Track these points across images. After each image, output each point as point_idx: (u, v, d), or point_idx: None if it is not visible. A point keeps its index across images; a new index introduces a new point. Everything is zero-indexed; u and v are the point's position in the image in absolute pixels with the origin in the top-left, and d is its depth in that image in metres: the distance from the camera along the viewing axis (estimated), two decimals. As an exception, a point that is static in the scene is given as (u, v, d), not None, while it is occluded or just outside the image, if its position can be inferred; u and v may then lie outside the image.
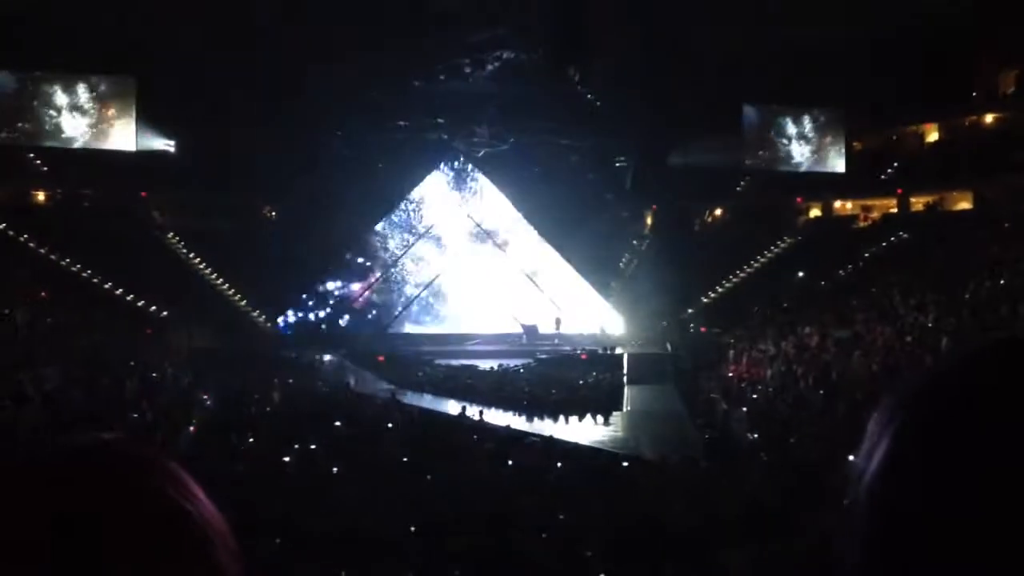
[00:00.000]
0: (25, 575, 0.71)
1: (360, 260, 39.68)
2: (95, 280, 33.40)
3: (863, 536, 0.70)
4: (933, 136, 42.75)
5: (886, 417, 0.72)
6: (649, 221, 44.35)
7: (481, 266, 39.37)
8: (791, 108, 43.07)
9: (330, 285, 38.94)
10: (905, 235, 37.14)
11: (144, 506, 0.77)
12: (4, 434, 15.28)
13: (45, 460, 0.78)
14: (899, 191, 40.76)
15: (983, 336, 0.75)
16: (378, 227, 39.93)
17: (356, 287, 39.38)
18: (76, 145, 38.97)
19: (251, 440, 18.11)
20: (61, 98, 38.73)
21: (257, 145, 36.68)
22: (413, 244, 39.95)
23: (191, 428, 20.70)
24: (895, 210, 40.89)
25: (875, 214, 41.63)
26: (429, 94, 40.18)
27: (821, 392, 22.48)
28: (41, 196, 39.57)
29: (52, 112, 38.58)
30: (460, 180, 40.97)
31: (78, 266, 33.66)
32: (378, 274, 39.62)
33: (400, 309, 39.31)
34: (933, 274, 29.70)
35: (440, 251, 39.98)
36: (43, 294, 29.85)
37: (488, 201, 40.52)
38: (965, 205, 39.27)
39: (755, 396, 23.86)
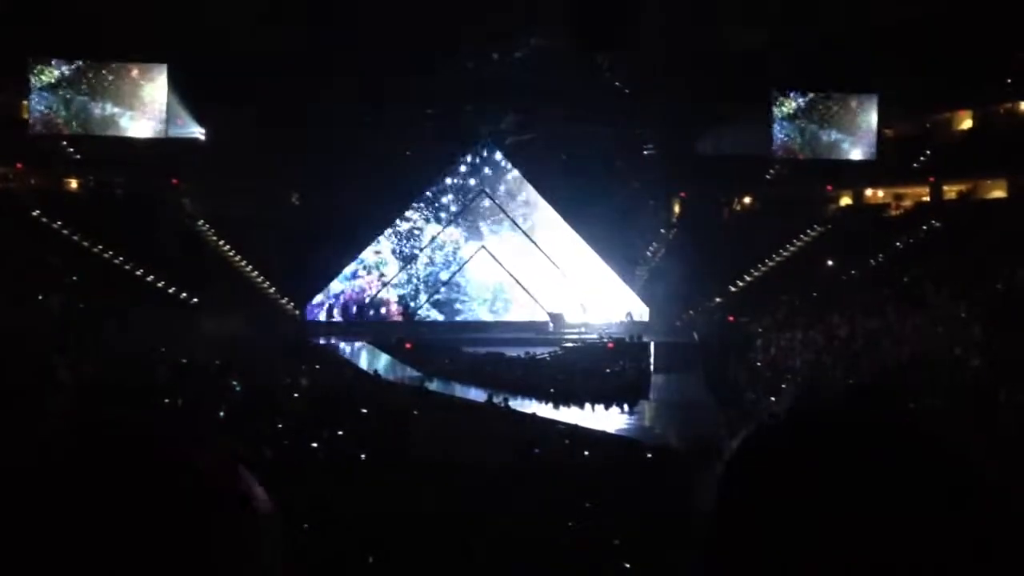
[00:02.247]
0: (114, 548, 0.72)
1: (387, 247, 39.79)
2: (126, 266, 33.77)
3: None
4: (967, 123, 42.12)
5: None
6: (677, 209, 44.10)
7: (507, 254, 39.36)
8: (822, 95, 42.59)
9: (357, 272, 39.09)
10: (938, 224, 36.67)
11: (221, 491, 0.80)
12: (36, 418, 15.51)
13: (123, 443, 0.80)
14: (931, 179, 40.23)
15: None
16: (404, 214, 40.00)
17: (383, 274, 39.50)
18: (108, 132, 39.35)
19: (279, 426, 18.26)
20: (93, 85, 39.09)
21: (285, 133, 36.88)
22: (439, 231, 39.99)
23: (220, 414, 20.91)
24: (927, 198, 40.38)
25: (907, 202, 41.12)
26: (456, 81, 40.14)
27: (851, 382, 22.31)
28: (74, 183, 40.02)
29: (84, 100, 38.95)
30: (487, 167, 40.92)
31: (110, 253, 34.04)
32: (405, 261, 39.71)
33: (427, 297, 39.41)
34: (966, 263, 29.33)
35: (466, 238, 39.99)
36: (75, 279, 30.21)
37: (515, 188, 40.46)
38: (999, 194, 38.69)
39: (784, 386, 23.72)
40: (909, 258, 34.07)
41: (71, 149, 39.10)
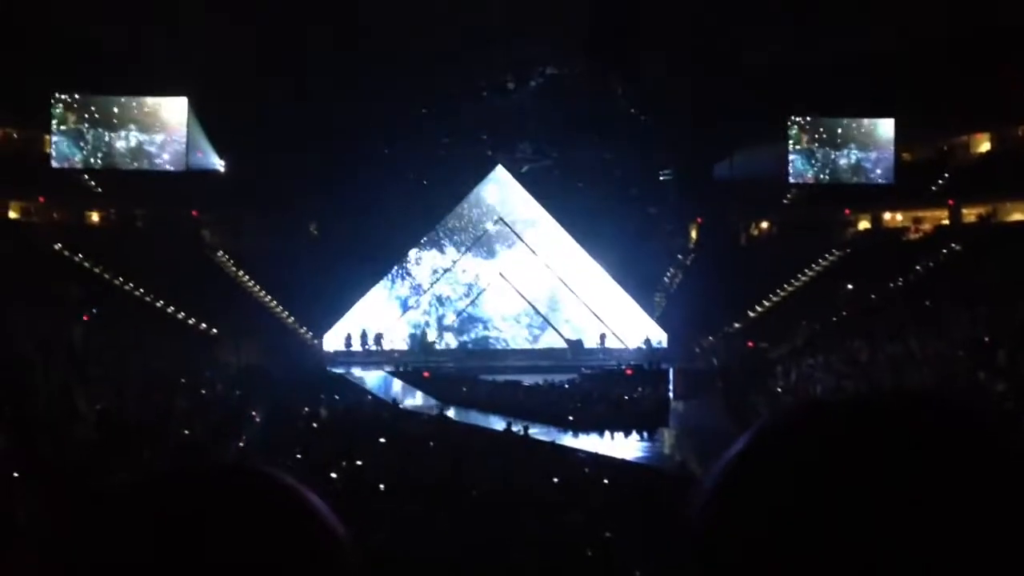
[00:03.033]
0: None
1: (405, 276, 39.92)
2: (147, 298, 33.99)
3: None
4: (985, 146, 41.93)
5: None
6: (694, 235, 44.05)
7: (524, 281, 39.38)
8: (839, 119, 42.54)
9: (375, 301, 39.19)
10: (957, 247, 36.43)
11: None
12: (57, 450, 15.59)
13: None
14: (950, 202, 40.01)
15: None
16: (422, 243, 40.16)
17: (401, 303, 39.60)
18: (128, 165, 39.79)
19: (298, 456, 18.25)
20: (114, 119, 39.59)
21: (304, 164, 37.20)
22: (457, 260, 40.11)
23: (240, 444, 20.94)
24: (947, 221, 40.13)
25: (926, 226, 40.89)
26: (473, 110, 40.40)
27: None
28: (95, 216, 40.44)
29: (105, 133, 39.44)
30: (504, 196, 41.06)
31: (130, 285, 34.29)
32: (422, 290, 39.81)
33: (445, 325, 39.44)
34: (986, 287, 29.06)
35: (484, 266, 40.07)
36: (96, 312, 30.41)
37: (532, 216, 40.54)
38: (1019, 216, 38.42)
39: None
40: (929, 282, 33.82)
41: (92, 182, 39.56)
